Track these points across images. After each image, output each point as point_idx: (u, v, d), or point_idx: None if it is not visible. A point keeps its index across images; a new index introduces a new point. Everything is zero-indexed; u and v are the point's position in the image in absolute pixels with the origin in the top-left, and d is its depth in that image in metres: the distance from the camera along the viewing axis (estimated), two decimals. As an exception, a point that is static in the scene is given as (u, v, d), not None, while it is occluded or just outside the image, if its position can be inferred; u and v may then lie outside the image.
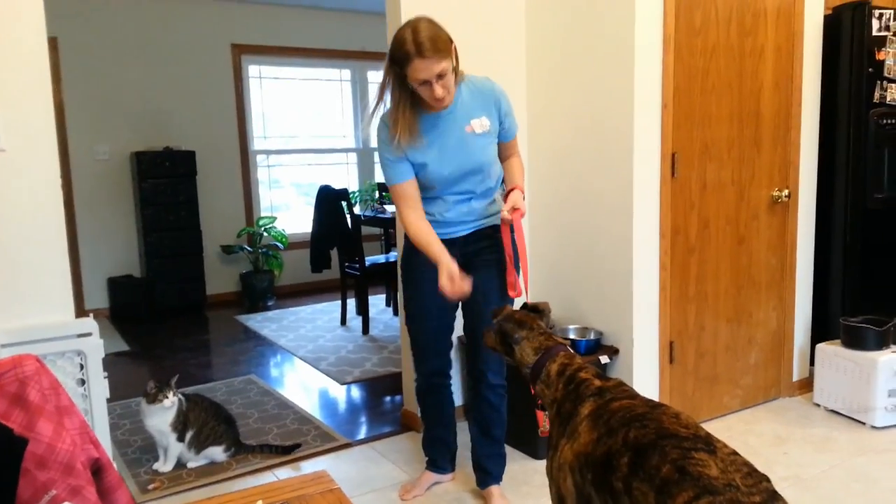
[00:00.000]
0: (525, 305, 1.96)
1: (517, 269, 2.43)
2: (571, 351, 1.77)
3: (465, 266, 2.45)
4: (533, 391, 1.78)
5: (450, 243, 2.41)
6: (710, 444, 1.30)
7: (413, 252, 2.47)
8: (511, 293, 2.40)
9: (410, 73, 2.12)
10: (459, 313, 2.57)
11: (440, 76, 2.12)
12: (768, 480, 1.23)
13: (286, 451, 3.05)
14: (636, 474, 1.31)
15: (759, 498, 1.16)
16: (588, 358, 2.98)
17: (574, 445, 1.53)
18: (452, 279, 2.22)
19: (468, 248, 2.44)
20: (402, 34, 2.11)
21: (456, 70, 2.20)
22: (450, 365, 2.63)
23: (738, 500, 1.15)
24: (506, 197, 2.37)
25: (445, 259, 2.26)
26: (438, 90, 2.14)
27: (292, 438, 3.22)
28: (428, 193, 2.40)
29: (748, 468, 1.24)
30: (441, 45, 2.09)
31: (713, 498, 1.16)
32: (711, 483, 1.19)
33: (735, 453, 1.29)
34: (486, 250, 2.44)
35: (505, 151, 2.48)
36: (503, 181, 2.51)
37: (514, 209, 2.30)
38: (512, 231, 2.42)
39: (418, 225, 2.34)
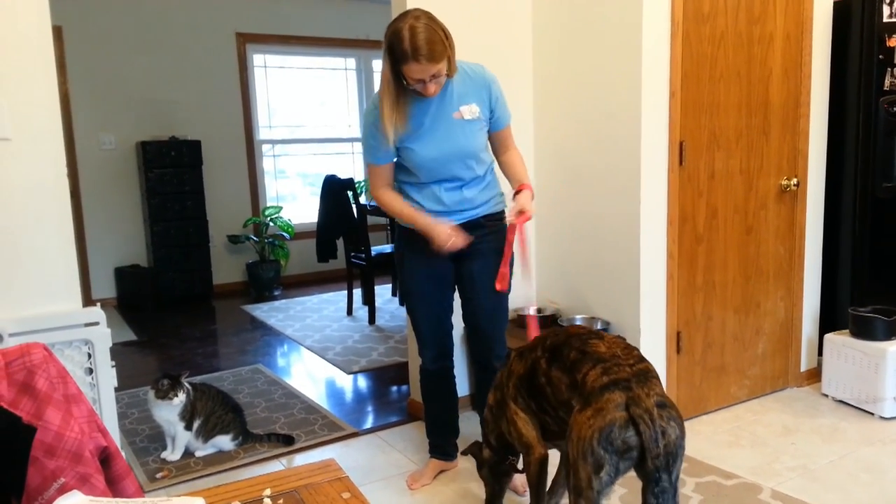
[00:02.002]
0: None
1: (511, 266, 2.43)
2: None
3: (461, 255, 2.45)
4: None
5: None
6: (600, 335, 1.87)
7: (405, 240, 2.48)
8: (497, 285, 2.37)
9: (405, 71, 2.13)
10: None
11: (434, 76, 2.15)
12: (637, 350, 1.80)
13: (287, 441, 3.06)
14: (553, 365, 1.87)
15: (632, 360, 1.72)
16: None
17: (511, 380, 2.04)
18: (450, 235, 2.29)
19: None
20: (399, 30, 2.09)
21: (451, 64, 2.19)
22: (452, 348, 2.63)
23: (619, 363, 1.71)
24: (514, 197, 2.35)
25: (427, 219, 2.34)
26: (431, 88, 2.18)
27: (299, 428, 3.24)
28: (416, 179, 2.39)
29: (625, 345, 1.81)
30: (438, 48, 2.09)
31: (604, 364, 1.72)
32: (601, 356, 1.75)
33: (619, 337, 1.88)
34: (483, 239, 2.43)
35: (500, 143, 2.46)
36: (510, 180, 2.47)
37: (520, 212, 2.29)
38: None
39: (390, 196, 2.41)
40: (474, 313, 2.52)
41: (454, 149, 2.32)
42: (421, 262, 2.45)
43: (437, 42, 2.09)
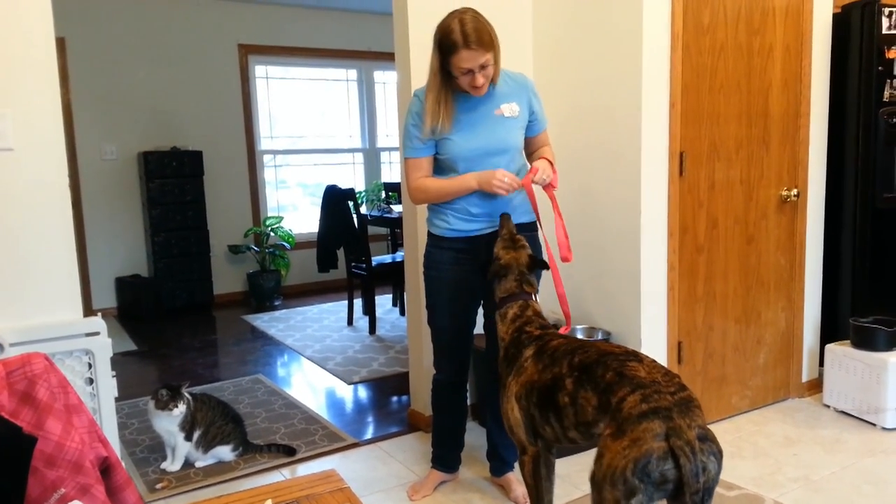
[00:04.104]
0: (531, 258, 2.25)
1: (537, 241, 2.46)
2: (529, 301, 2.17)
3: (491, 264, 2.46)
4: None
5: (475, 241, 2.43)
6: (638, 356, 1.76)
7: (434, 250, 2.49)
8: (562, 256, 2.39)
9: (455, 61, 2.21)
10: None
11: (483, 66, 2.22)
12: (679, 377, 1.70)
13: (289, 452, 3.05)
14: (582, 386, 1.77)
15: (673, 388, 1.62)
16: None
17: (520, 379, 1.99)
18: (504, 176, 2.26)
19: (493, 246, 2.43)
20: (449, 24, 2.20)
21: (497, 61, 2.27)
22: (469, 362, 2.63)
23: (659, 390, 1.61)
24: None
25: (474, 174, 2.33)
26: (479, 79, 2.25)
27: (300, 438, 3.23)
28: (450, 175, 2.40)
29: (665, 370, 1.71)
30: (486, 37, 2.19)
31: (643, 390, 1.61)
32: (641, 381, 1.64)
33: (655, 362, 1.74)
34: None
35: (535, 143, 2.53)
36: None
37: (532, 169, 2.34)
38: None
39: (429, 181, 2.41)
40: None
41: (493, 142, 2.37)
42: (449, 274, 2.46)
43: (485, 32, 2.19)
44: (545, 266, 2.24)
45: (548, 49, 3.32)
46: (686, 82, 2.97)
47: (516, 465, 2.69)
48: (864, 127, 3.40)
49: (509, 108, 2.39)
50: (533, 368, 1.96)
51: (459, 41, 2.17)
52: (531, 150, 2.53)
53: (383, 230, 6.74)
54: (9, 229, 2.25)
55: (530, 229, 2.48)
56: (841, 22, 3.43)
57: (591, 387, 1.74)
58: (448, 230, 2.44)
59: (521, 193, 2.45)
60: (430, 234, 2.52)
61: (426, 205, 2.54)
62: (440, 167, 2.44)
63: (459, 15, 2.20)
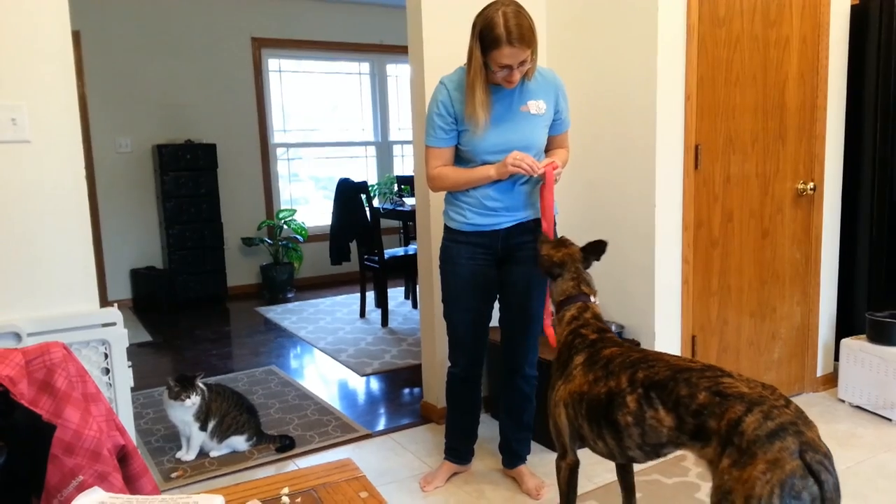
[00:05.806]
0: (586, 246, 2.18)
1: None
2: (588, 303, 2.06)
3: (505, 259, 2.46)
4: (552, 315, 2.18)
5: (492, 235, 2.42)
6: (724, 371, 1.61)
7: (451, 244, 2.48)
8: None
9: (496, 56, 2.17)
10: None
11: (521, 63, 2.19)
12: (776, 388, 1.55)
13: (285, 443, 3.06)
14: (652, 406, 1.63)
15: (782, 401, 1.50)
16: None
17: (568, 386, 1.90)
18: (517, 156, 2.25)
19: (511, 241, 2.44)
20: (492, 17, 2.14)
21: (535, 57, 2.24)
22: (484, 356, 2.63)
23: (773, 405, 1.47)
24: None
25: (491, 164, 2.32)
26: (516, 76, 2.22)
27: (313, 429, 3.25)
28: (470, 166, 2.40)
29: (761, 383, 1.56)
30: (528, 34, 2.15)
31: (760, 407, 1.47)
32: (751, 397, 1.50)
33: (742, 374, 1.60)
34: (529, 245, 2.43)
35: (554, 143, 2.51)
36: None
37: (550, 163, 2.32)
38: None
39: (448, 169, 2.40)
40: (513, 319, 2.52)
41: (517, 139, 2.35)
42: (466, 268, 2.45)
43: (528, 28, 2.14)
44: (601, 250, 2.16)
45: (561, 41, 3.30)
46: (701, 75, 2.95)
47: (529, 457, 2.71)
48: (882, 120, 3.37)
49: (536, 106, 2.36)
50: (582, 378, 1.87)
51: (502, 37, 2.12)
52: (548, 149, 2.51)
53: (395, 223, 6.75)
54: (26, 221, 2.28)
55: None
56: (859, 13, 3.39)
57: (667, 406, 1.61)
58: (465, 224, 2.43)
59: (537, 189, 2.43)
60: (446, 228, 2.51)
61: (443, 198, 2.54)
62: (460, 159, 2.43)
63: (503, 7, 2.14)
